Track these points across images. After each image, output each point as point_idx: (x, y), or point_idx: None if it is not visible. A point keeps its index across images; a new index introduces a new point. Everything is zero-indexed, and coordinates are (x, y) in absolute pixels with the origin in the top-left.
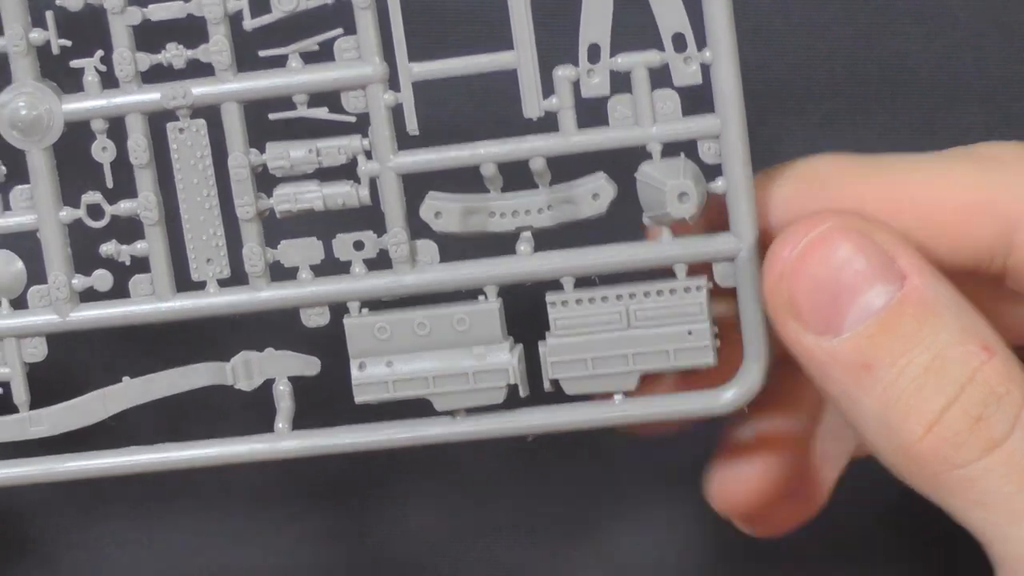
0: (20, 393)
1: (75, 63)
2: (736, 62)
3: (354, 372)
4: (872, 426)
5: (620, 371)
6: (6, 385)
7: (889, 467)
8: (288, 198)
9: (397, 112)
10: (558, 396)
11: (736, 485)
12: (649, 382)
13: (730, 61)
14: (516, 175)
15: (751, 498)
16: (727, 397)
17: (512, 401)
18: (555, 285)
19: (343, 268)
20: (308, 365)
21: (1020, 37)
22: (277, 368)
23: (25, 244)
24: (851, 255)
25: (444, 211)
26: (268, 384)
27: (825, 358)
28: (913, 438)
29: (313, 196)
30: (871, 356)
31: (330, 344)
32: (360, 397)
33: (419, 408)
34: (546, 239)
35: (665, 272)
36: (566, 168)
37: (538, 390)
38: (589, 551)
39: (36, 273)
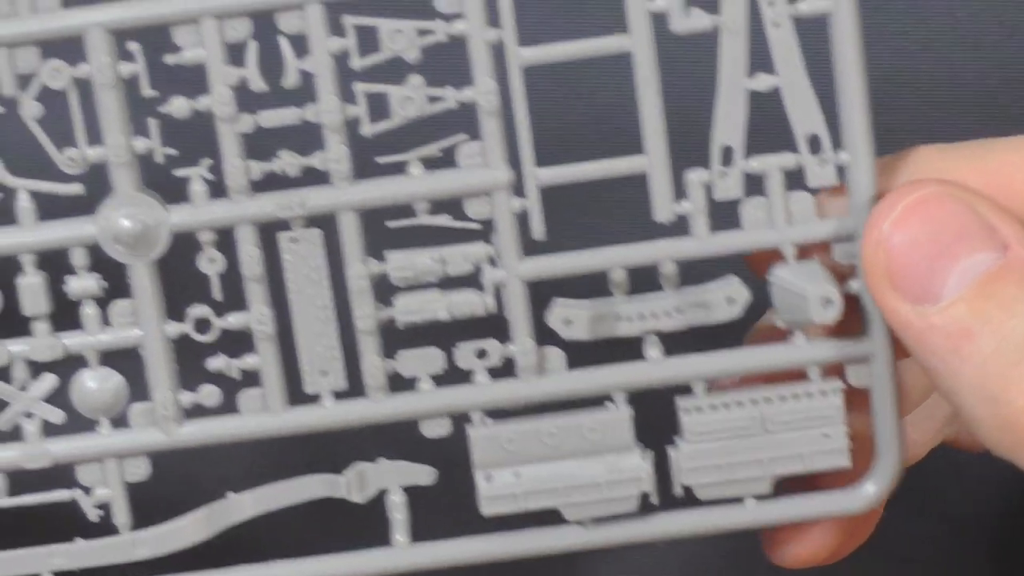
0: (121, 515)
1: (180, 172)
2: (873, 163)
3: (481, 483)
4: (971, 398)
5: (754, 476)
6: (107, 506)
7: (988, 443)
8: (412, 309)
9: (522, 217)
10: (687, 500)
11: (803, 544)
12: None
13: (868, 163)
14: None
15: (821, 552)
16: (865, 494)
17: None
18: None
19: (464, 376)
20: (422, 474)
21: (1020, 37)
22: (391, 478)
23: (121, 360)
24: (950, 221)
25: (574, 319)
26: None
27: (923, 326)
28: (1014, 410)
29: (438, 305)
30: (971, 323)
31: (438, 448)
32: (488, 510)
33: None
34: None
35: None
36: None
37: (665, 492)
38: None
39: (136, 389)
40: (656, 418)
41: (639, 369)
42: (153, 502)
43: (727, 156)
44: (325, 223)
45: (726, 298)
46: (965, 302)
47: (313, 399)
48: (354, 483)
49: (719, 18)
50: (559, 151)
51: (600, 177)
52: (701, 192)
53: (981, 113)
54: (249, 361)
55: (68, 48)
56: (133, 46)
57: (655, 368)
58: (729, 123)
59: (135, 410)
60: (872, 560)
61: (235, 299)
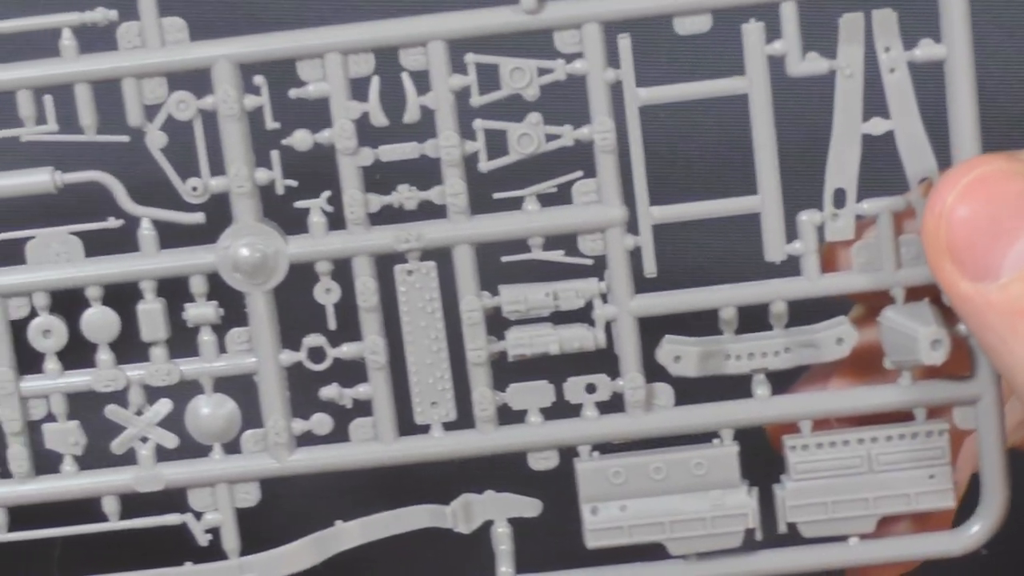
0: (230, 539)
1: (300, 204)
2: None
3: (587, 516)
4: None
5: (859, 514)
6: (216, 530)
7: None
8: (523, 342)
9: (634, 254)
10: (791, 537)
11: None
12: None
13: None
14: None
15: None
16: (969, 536)
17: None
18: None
19: (572, 409)
20: (529, 506)
21: (1020, 37)
22: (497, 510)
23: (234, 387)
24: (1011, 199)
25: (683, 355)
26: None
27: (981, 303)
28: None
29: (549, 340)
30: None
31: (543, 481)
32: (594, 542)
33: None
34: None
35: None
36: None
37: (769, 528)
38: None
39: (248, 415)
40: (762, 454)
41: (746, 407)
42: (263, 527)
43: (839, 198)
44: (440, 256)
45: (835, 338)
46: (1023, 281)
47: (423, 429)
48: (460, 514)
49: (836, 62)
50: (672, 189)
51: (712, 216)
52: (813, 233)
53: (982, 113)
54: (361, 390)
55: (194, 80)
56: (258, 79)
57: (762, 406)
58: (843, 166)
59: (247, 436)
60: (934, 567)
61: (349, 329)
